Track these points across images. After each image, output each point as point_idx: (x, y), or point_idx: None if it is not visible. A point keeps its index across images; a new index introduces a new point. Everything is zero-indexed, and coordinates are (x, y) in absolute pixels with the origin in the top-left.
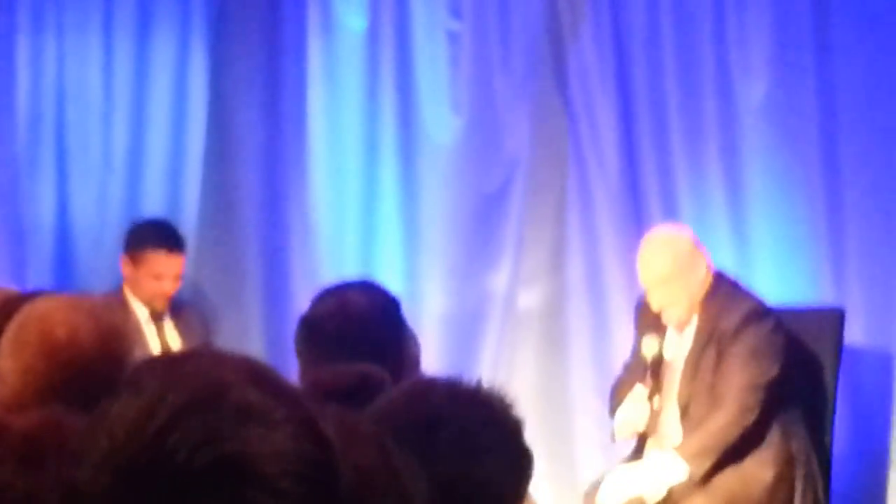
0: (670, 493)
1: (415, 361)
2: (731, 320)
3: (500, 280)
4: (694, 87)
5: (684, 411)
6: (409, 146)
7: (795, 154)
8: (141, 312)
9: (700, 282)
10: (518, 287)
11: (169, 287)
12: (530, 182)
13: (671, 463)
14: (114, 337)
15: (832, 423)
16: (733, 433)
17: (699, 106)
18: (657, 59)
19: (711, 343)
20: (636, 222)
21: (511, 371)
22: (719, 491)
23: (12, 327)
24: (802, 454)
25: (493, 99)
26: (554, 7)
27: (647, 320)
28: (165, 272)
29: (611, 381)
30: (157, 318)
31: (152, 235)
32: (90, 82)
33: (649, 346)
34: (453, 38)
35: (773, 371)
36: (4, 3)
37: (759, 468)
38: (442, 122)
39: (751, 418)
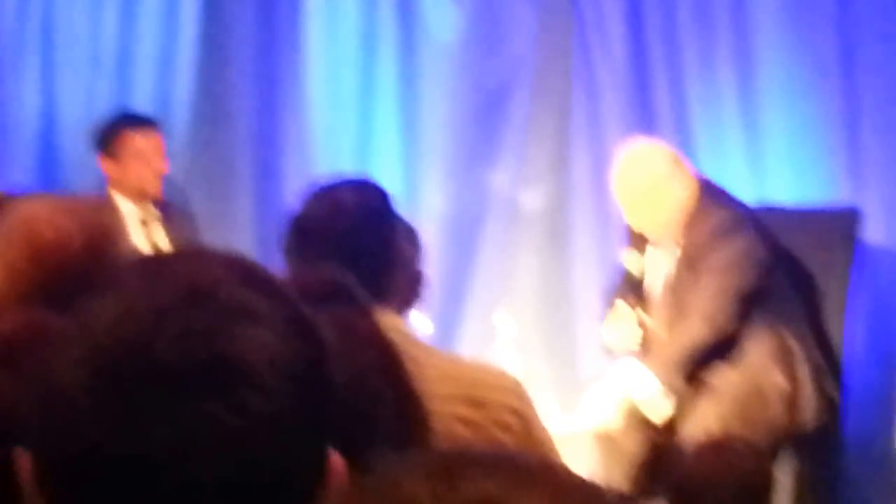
0: (679, 406)
1: (409, 260)
2: (702, 232)
3: (501, 179)
4: None
5: (669, 324)
6: (408, 41)
7: (809, 47)
8: (130, 212)
9: (679, 200)
10: (520, 186)
11: (158, 166)
12: (534, 79)
13: (641, 377)
14: (101, 237)
15: (843, 323)
16: (701, 342)
17: (710, 1)
18: None
19: (688, 256)
20: (643, 120)
21: (513, 271)
22: (728, 397)
23: None
24: (803, 351)
25: None
26: None
27: (636, 232)
28: (147, 150)
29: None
30: (145, 220)
31: (121, 121)
32: None
33: (631, 261)
34: None
35: (748, 280)
36: None
37: (763, 369)
38: (443, 15)
39: (721, 327)
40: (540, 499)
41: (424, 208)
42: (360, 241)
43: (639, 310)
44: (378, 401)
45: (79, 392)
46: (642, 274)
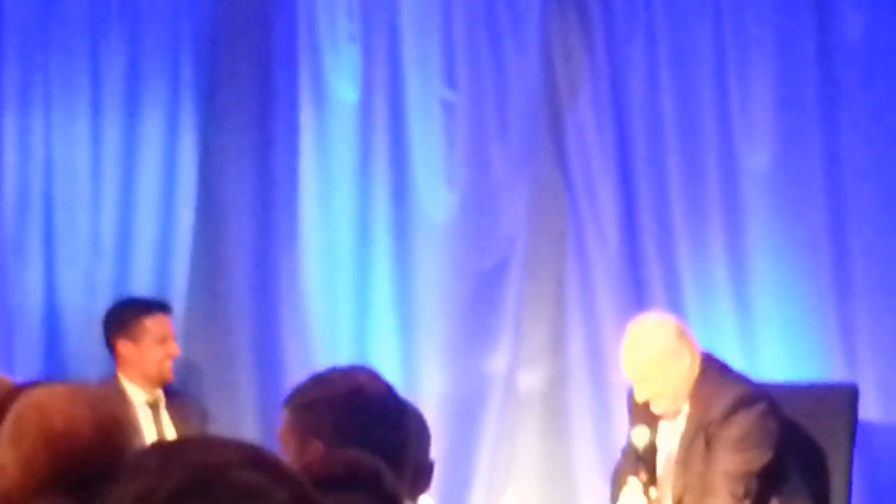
0: None
1: (419, 446)
2: (718, 408)
3: (499, 361)
4: (695, 157)
5: (678, 501)
6: (403, 223)
7: (801, 225)
8: (138, 399)
9: (685, 371)
10: (518, 368)
11: (173, 349)
12: (528, 259)
13: None
14: (113, 426)
15: (848, 500)
16: None
17: (701, 177)
18: (657, 130)
19: (700, 432)
20: (637, 300)
21: (513, 453)
22: None
23: (10, 417)
24: None
25: (490, 173)
26: (551, 77)
27: (640, 407)
28: (165, 334)
29: (614, 461)
30: (154, 404)
31: (142, 305)
32: (78, 161)
33: (639, 437)
34: (448, 108)
35: (765, 457)
36: None
37: None
38: (437, 197)
39: None
40: None
41: (423, 390)
42: (379, 427)
43: (650, 488)
44: None
45: None
46: (648, 448)
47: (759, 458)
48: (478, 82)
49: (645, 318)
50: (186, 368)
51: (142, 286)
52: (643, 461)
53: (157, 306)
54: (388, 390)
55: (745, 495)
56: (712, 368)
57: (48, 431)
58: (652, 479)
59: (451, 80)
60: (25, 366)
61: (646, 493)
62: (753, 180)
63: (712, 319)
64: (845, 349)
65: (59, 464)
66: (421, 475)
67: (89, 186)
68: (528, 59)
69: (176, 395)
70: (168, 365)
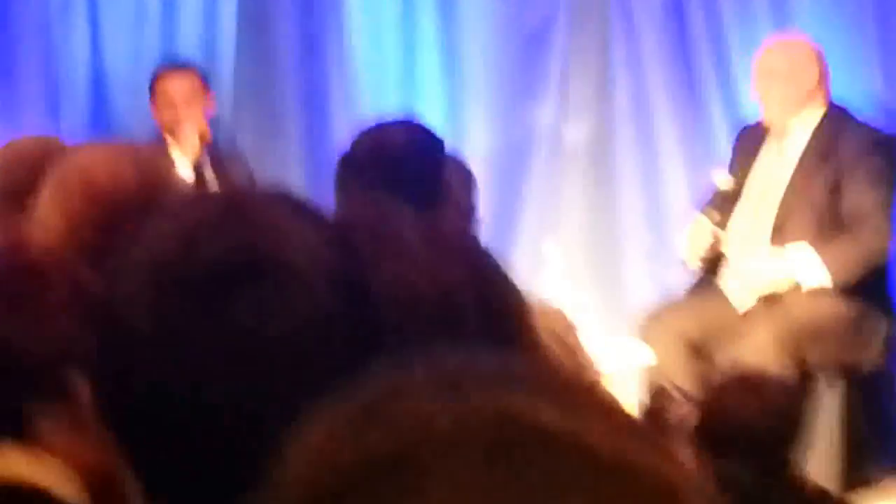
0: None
1: (459, 197)
2: (852, 146)
3: (545, 114)
4: None
5: (778, 231)
6: None
7: None
8: (181, 161)
9: (813, 83)
10: (564, 121)
11: (184, 110)
12: (574, 13)
13: (813, 267)
14: (157, 181)
15: None
16: (879, 251)
17: None
18: None
19: (826, 166)
20: (682, 50)
21: (558, 206)
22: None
23: (55, 175)
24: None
25: None
26: None
27: (745, 146)
28: (174, 95)
29: (659, 212)
30: (197, 167)
31: (156, 69)
32: None
33: (722, 179)
34: None
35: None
36: None
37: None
38: None
39: (888, 239)
40: (561, 410)
41: (468, 145)
42: (406, 176)
43: (717, 229)
44: (463, 320)
45: (138, 303)
46: (729, 193)
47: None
48: None
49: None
50: (235, 128)
51: (189, 52)
52: (718, 204)
53: (166, 69)
54: (429, 144)
55: (890, 229)
56: (841, 112)
57: (92, 189)
58: (723, 222)
59: None
60: (72, 135)
61: (713, 233)
62: None
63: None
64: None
65: (103, 221)
66: (462, 224)
67: None
68: None
69: (221, 153)
70: (186, 123)
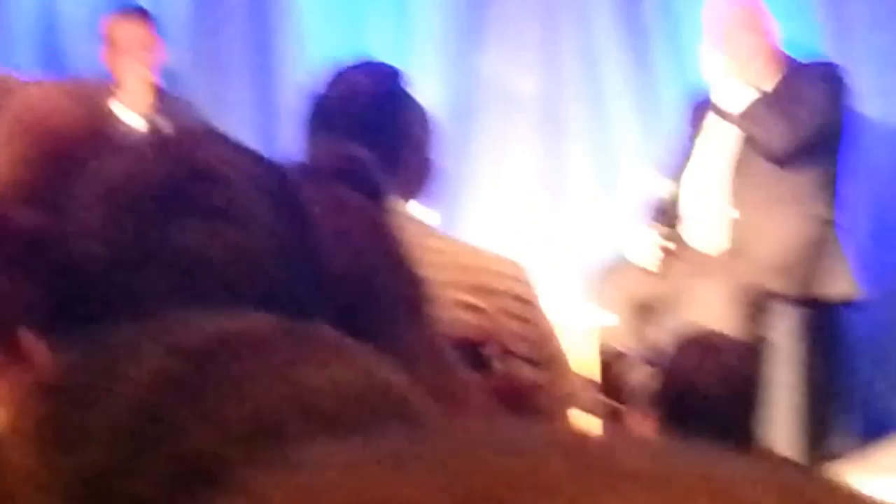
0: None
1: (421, 145)
2: (806, 70)
3: (491, 64)
4: None
5: (741, 164)
6: None
7: None
8: (129, 110)
9: (770, 46)
10: (511, 70)
11: (136, 57)
12: None
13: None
14: (106, 121)
15: None
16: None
17: None
18: None
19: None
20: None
21: (509, 158)
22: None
23: (2, 117)
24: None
25: None
26: None
27: (699, 116)
28: (125, 39)
29: (608, 163)
30: (149, 117)
31: (108, 15)
32: None
33: (661, 187)
34: None
35: (837, 122)
36: None
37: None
38: None
39: (805, 134)
40: None
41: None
42: (371, 120)
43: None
44: (378, 279)
45: (98, 221)
46: (667, 200)
47: (830, 117)
48: None
49: None
50: (184, 72)
51: None
52: (664, 213)
53: (118, 14)
54: (388, 82)
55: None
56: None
57: (39, 125)
58: (671, 235)
59: None
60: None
61: (661, 246)
62: None
63: None
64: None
65: (52, 161)
66: (421, 172)
67: None
68: None
69: (171, 99)
70: (133, 71)
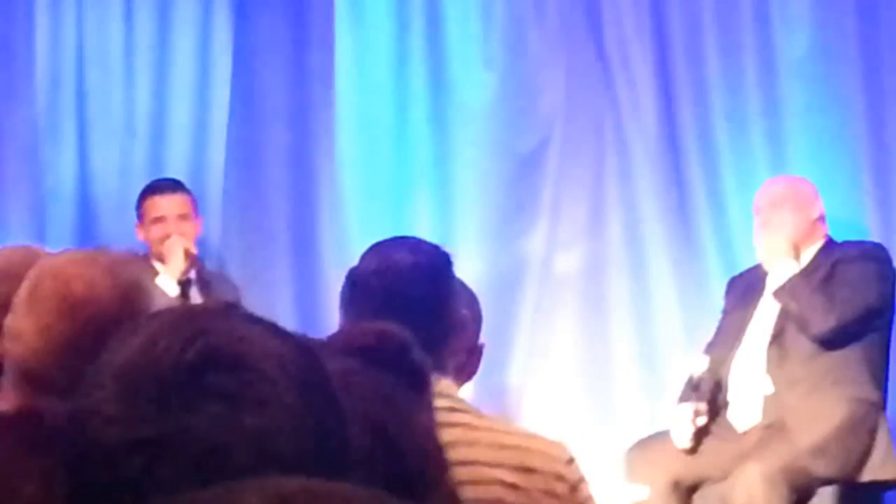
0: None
1: (464, 322)
2: (852, 250)
3: (536, 243)
4: (733, 38)
5: (777, 335)
6: (440, 106)
7: (839, 105)
8: (168, 284)
9: (812, 222)
10: (556, 250)
11: (174, 228)
12: (566, 141)
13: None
14: (134, 290)
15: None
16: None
17: (738, 58)
18: (694, 10)
19: (822, 269)
20: (675, 182)
21: (549, 336)
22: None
23: (27, 283)
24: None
25: (527, 54)
26: None
27: (737, 291)
28: (166, 213)
29: (651, 344)
30: (184, 289)
31: (144, 188)
32: (111, 43)
33: (698, 365)
34: None
35: (882, 303)
36: None
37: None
38: (475, 80)
39: (847, 317)
40: None
41: (461, 273)
42: (412, 299)
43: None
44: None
45: (108, 406)
46: (700, 377)
47: (881, 297)
48: None
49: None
50: (221, 249)
51: (176, 168)
52: (697, 389)
53: (157, 187)
54: (425, 264)
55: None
56: (834, 242)
57: (66, 297)
58: (707, 410)
59: None
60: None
61: (693, 421)
62: (791, 63)
63: (751, 200)
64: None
65: (78, 329)
66: (468, 356)
67: (122, 69)
68: None
69: (208, 275)
70: (169, 247)
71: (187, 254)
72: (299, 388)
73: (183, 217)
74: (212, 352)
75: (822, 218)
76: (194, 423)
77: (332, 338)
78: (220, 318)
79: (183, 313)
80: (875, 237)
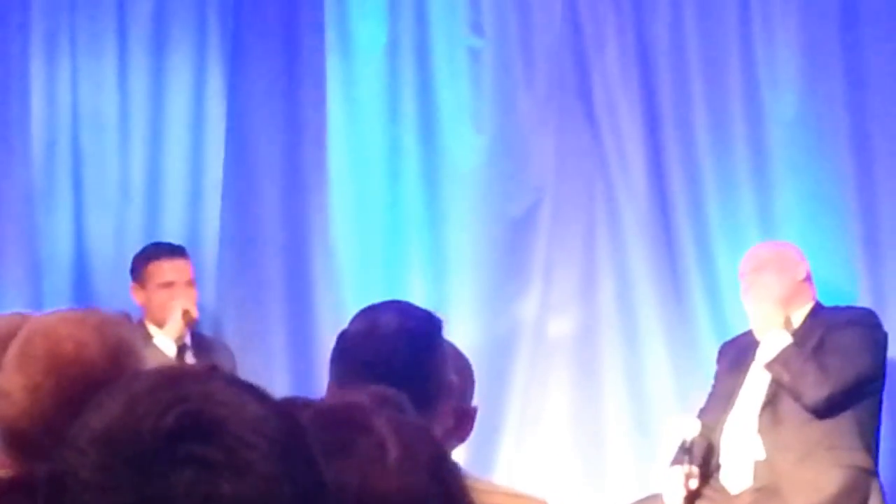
0: None
1: (451, 387)
2: (842, 316)
3: (529, 307)
4: (721, 101)
5: (769, 402)
6: (431, 169)
7: (828, 169)
8: (162, 343)
9: (797, 283)
10: (548, 314)
11: (181, 293)
12: (557, 205)
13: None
14: (123, 351)
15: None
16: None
17: (727, 122)
18: (683, 74)
19: (813, 336)
20: (666, 245)
21: (542, 400)
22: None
23: (17, 342)
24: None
25: (517, 118)
26: (576, 22)
27: (729, 356)
28: (172, 278)
29: (643, 408)
30: (180, 348)
31: (148, 251)
32: (105, 107)
33: (688, 429)
34: (474, 54)
35: (874, 370)
36: (17, 26)
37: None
38: (465, 143)
39: (839, 386)
40: None
41: (453, 337)
42: (395, 362)
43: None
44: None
45: (86, 470)
46: (691, 441)
47: (872, 366)
48: (503, 27)
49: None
50: (217, 314)
51: (171, 233)
52: (689, 452)
53: (163, 250)
54: (411, 328)
55: (849, 382)
56: (823, 307)
57: (55, 356)
58: (704, 471)
59: (477, 27)
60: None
61: (686, 484)
62: (779, 126)
63: (740, 248)
64: (872, 292)
65: (67, 390)
66: (458, 420)
67: (117, 133)
68: (553, 2)
69: (204, 339)
70: (172, 310)
71: (186, 316)
72: (279, 454)
73: (189, 283)
74: (191, 417)
75: (808, 279)
76: (172, 489)
77: (319, 404)
78: (201, 382)
79: (163, 376)
80: (864, 301)
